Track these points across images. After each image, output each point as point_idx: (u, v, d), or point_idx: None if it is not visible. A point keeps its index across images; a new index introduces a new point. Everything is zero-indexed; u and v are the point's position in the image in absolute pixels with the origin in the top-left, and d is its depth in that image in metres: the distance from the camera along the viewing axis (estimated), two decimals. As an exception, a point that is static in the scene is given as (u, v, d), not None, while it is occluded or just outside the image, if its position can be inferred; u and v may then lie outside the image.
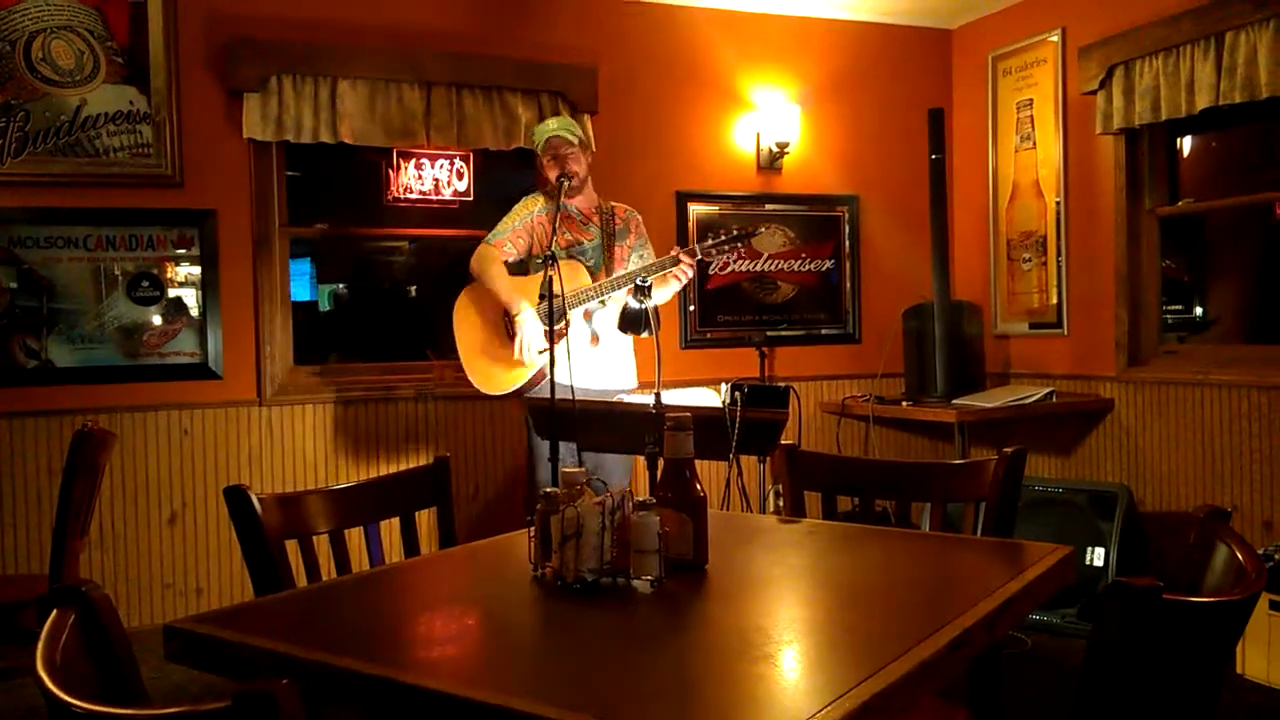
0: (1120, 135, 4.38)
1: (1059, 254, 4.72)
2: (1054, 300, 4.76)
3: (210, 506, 4.03)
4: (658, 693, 1.20)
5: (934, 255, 4.59)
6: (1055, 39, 4.69)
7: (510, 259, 3.73)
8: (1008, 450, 1.99)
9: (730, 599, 1.59)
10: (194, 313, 4.13)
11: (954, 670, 1.35)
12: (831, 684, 1.20)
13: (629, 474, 3.60)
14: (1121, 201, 4.43)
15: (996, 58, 5.03)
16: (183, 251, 4.12)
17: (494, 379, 3.66)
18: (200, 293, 4.14)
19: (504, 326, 3.68)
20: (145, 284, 4.07)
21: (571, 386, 3.14)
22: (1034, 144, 4.85)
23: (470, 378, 3.70)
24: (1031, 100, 4.86)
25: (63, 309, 3.96)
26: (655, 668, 1.28)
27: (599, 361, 3.65)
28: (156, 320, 4.09)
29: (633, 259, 3.77)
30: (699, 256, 3.64)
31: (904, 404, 4.61)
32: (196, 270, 4.13)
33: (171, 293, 4.12)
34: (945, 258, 4.61)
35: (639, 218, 3.89)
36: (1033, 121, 4.85)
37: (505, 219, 3.78)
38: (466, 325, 3.74)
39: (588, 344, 3.64)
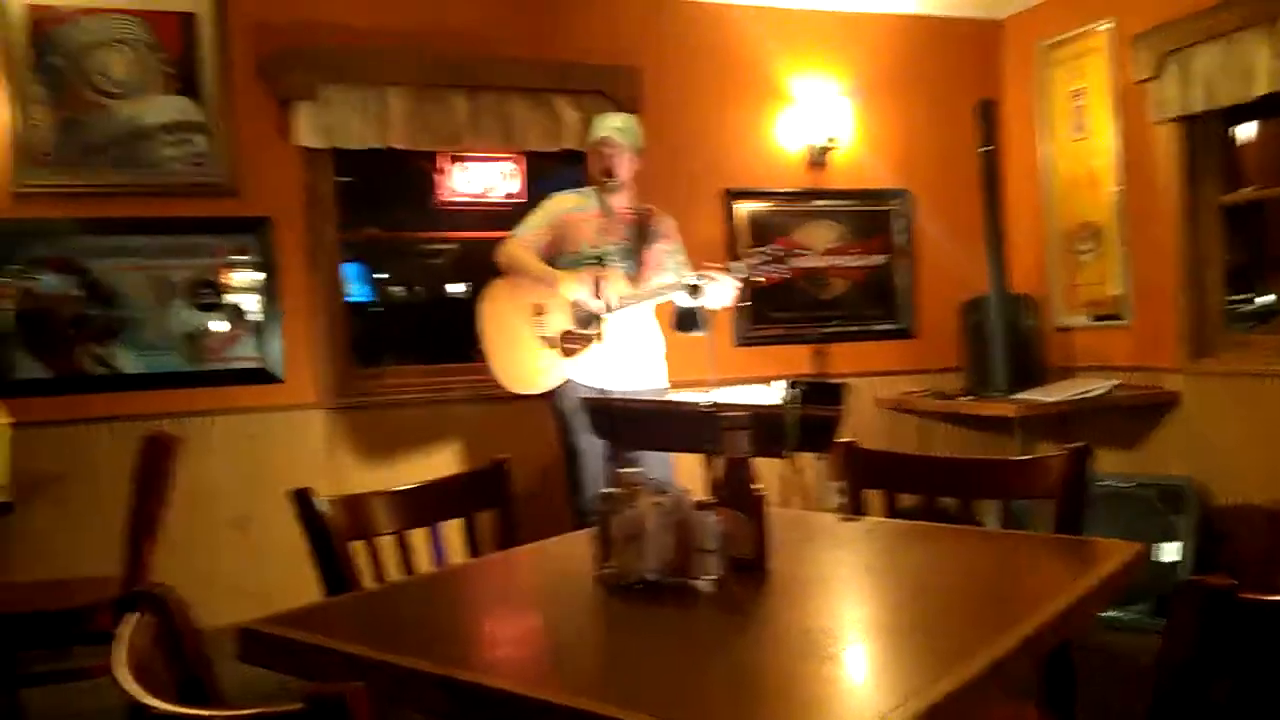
0: (1176, 123, 4.28)
1: (1119, 244, 4.63)
2: (1115, 291, 4.67)
3: (276, 509, 4.08)
4: (721, 693, 1.19)
5: (989, 248, 4.53)
6: (1107, 28, 4.59)
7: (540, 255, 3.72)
8: (1075, 445, 1.96)
9: (792, 599, 1.58)
10: (253, 318, 4.20)
11: (1024, 670, 1.33)
12: (898, 685, 1.19)
13: (669, 472, 3.59)
14: (1181, 190, 4.33)
15: (1047, 48, 4.94)
16: (240, 258, 4.19)
17: (526, 377, 3.65)
18: (258, 298, 4.20)
19: (534, 322, 3.66)
20: (205, 291, 4.14)
21: (601, 389, 3.12)
22: (1088, 134, 4.76)
23: (497, 375, 3.69)
24: (1084, 90, 4.76)
25: (127, 317, 4.04)
26: (718, 668, 1.27)
27: (628, 361, 3.63)
28: (217, 326, 4.16)
29: (666, 263, 3.75)
30: (739, 280, 3.57)
31: (962, 399, 4.55)
32: (254, 276, 4.20)
33: (231, 299, 4.18)
34: (1000, 250, 4.54)
35: (673, 222, 3.88)
36: (1086, 111, 4.76)
37: (532, 215, 3.79)
38: (495, 320, 3.73)
39: (613, 343, 3.62)
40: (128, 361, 4.03)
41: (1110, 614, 3.84)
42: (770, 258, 3.60)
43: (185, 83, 4.10)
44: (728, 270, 3.55)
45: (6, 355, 3.89)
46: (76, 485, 3.86)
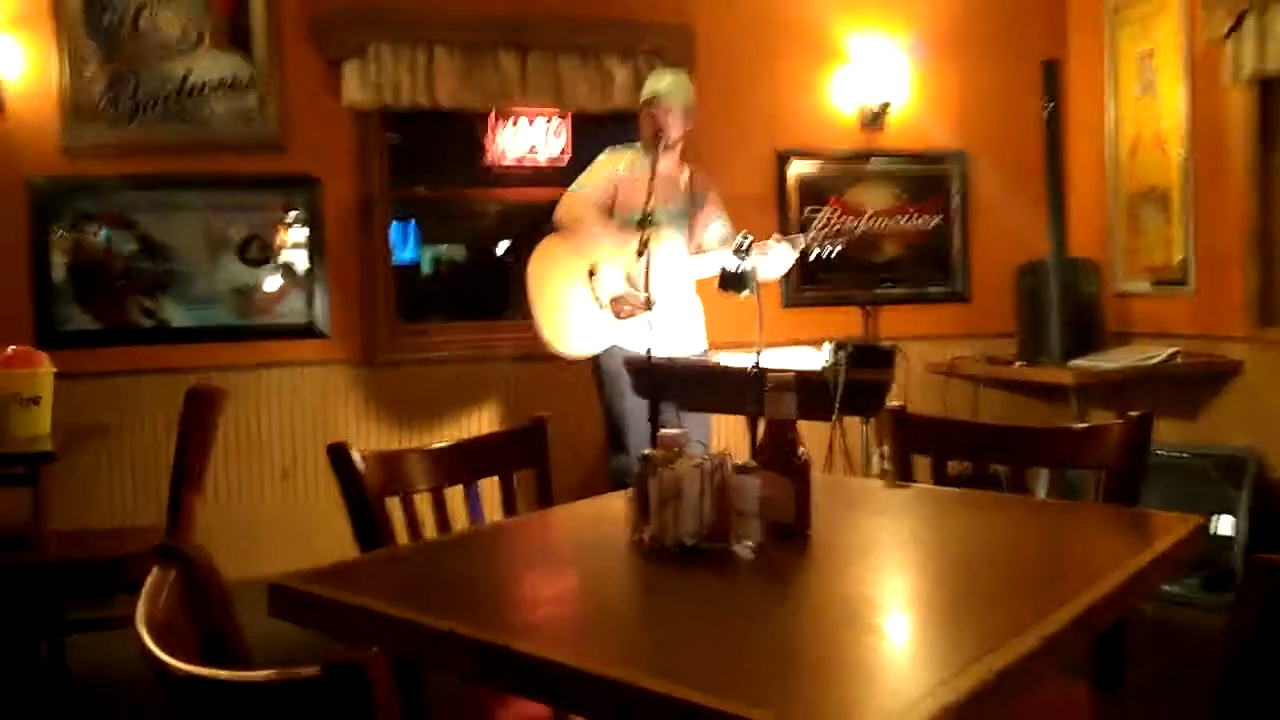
0: (1251, 85, 4.10)
1: (1184, 209, 4.46)
2: (1179, 257, 4.51)
3: (319, 462, 4.12)
4: (759, 664, 1.15)
5: (1049, 211, 4.39)
6: (1179, -16, 4.40)
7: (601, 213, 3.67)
8: (1134, 414, 1.88)
9: (834, 566, 1.53)
10: (301, 274, 4.21)
11: (1078, 648, 1.27)
12: (945, 659, 1.13)
13: (707, 434, 3.54)
14: (1253, 154, 4.15)
15: (1115, 5, 4.75)
16: (289, 215, 4.19)
17: (569, 339, 3.61)
18: (307, 255, 4.21)
19: (594, 284, 3.61)
20: (254, 247, 4.16)
21: (648, 350, 3.08)
22: (1156, 95, 4.58)
23: (543, 334, 3.64)
24: (1153, 50, 4.58)
25: (177, 271, 4.07)
26: (756, 637, 1.23)
27: (668, 327, 3.57)
28: (265, 282, 4.18)
29: (712, 227, 3.68)
30: (802, 246, 3.50)
31: (1016, 365, 4.44)
32: (303, 233, 4.21)
33: (280, 255, 4.19)
34: (1061, 213, 4.41)
35: (715, 188, 3.80)
36: (1154, 71, 4.58)
37: (588, 173, 3.72)
38: (544, 280, 3.68)
39: (661, 308, 3.57)
40: (176, 315, 4.06)
41: (1161, 587, 3.74)
42: (833, 231, 3.50)
43: (236, 39, 4.09)
44: (790, 242, 3.47)
45: (57, 308, 3.95)
46: (123, 436, 3.91)
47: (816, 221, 3.57)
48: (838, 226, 3.54)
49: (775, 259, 3.50)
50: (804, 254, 3.49)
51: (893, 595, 1.40)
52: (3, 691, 2.75)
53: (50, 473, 2.84)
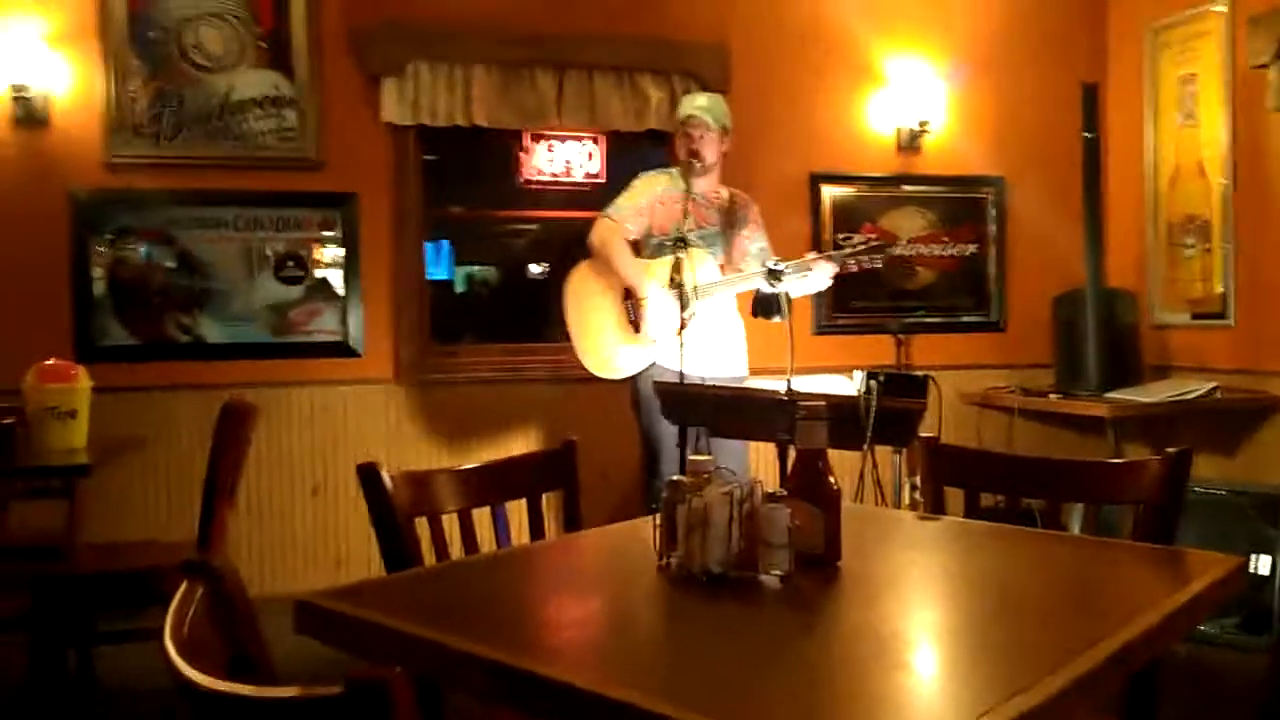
0: (1297, 112, 4.05)
1: (1225, 239, 4.40)
2: (1219, 289, 4.45)
3: (349, 480, 4.14)
4: (785, 697, 1.13)
5: (1087, 239, 4.35)
6: (1221, 9, 4.35)
7: (630, 237, 3.67)
8: (1172, 450, 1.84)
9: (864, 599, 1.51)
10: (336, 292, 4.24)
11: (1111, 687, 1.24)
12: (976, 697, 1.11)
13: (744, 462, 3.52)
14: (1298, 183, 4.10)
15: (1156, 30, 4.72)
16: (326, 233, 4.23)
17: (608, 361, 3.61)
18: (342, 273, 4.24)
19: (624, 307, 3.62)
20: (291, 264, 4.20)
21: (681, 373, 3.07)
22: (1197, 122, 4.53)
23: (582, 358, 3.66)
24: (1194, 75, 4.53)
25: (213, 287, 4.11)
26: (783, 670, 1.21)
27: (709, 348, 3.56)
28: (301, 299, 4.21)
29: (750, 250, 3.67)
30: (837, 267, 3.50)
31: (1052, 396, 4.38)
32: (339, 251, 4.24)
33: (315, 273, 4.23)
34: (1099, 242, 4.37)
35: (757, 208, 3.79)
36: (1196, 98, 4.53)
37: (626, 195, 3.72)
38: (581, 303, 3.69)
39: (696, 330, 3.56)
40: (212, 331, 4.10)
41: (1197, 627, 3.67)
42: (868, 248, 3.50)
43: (277, 57, 4.15)
44: (828, 258, 3.47)
45: (96, 322, 4.00)
46: (158, 451, 3.95)
47: (859, 241, 3.55)
48: (875, 242, 3.53)
49: (811, 278, 3.50)
50: (840, 270, 3.48)
51: (923, 630, 1.38)
52: (32, 701, 2.76)
53: (85, 486, 2.86)
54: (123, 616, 2.96)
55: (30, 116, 3.87)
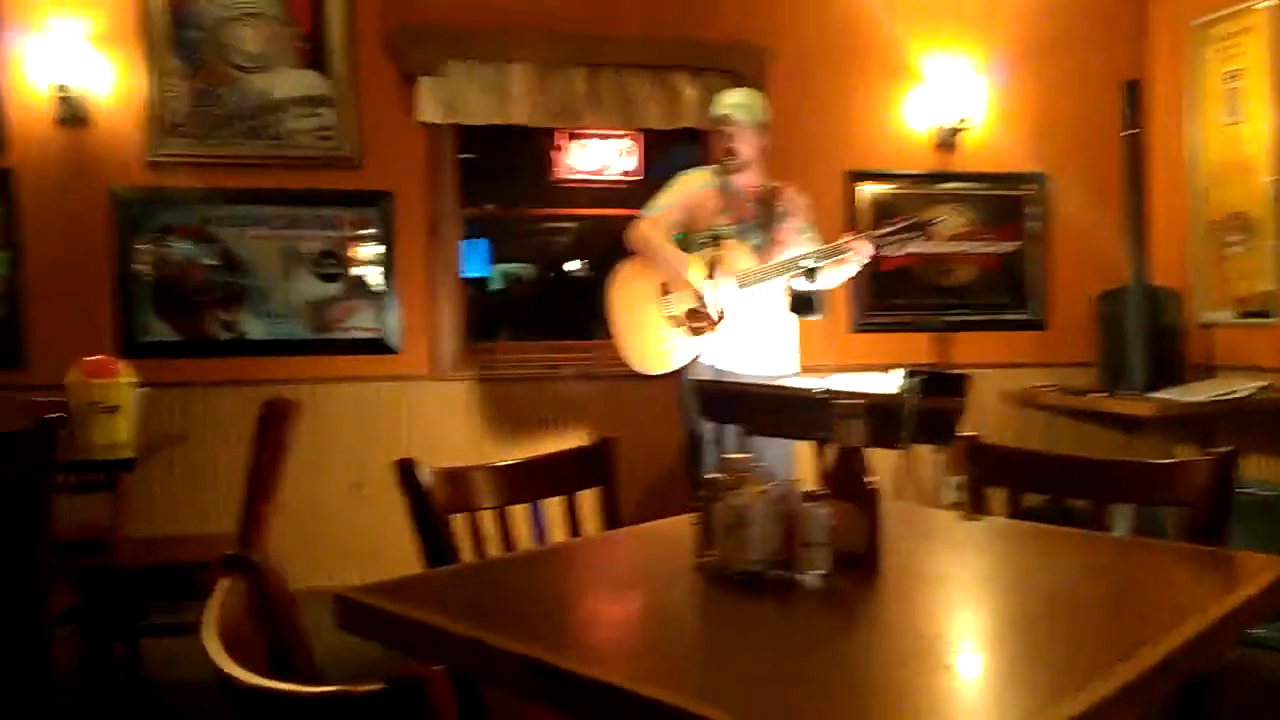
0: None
1: (1272, 237, 4.32)
2: (1266, 287, 4.36)
3: (388, 476, 4.15)
4: (825, 698, 1.12)
5: (1130, 237, 4.28)
6: (1267, 4, 4.27)
7: (669, 235, 3.66)
8: (1220, 450, 1.80)
9: (905, 600, 1.49)
10: (373, 289, 4.27)
11: (1158, 694, 1.22)
12: (1020, 702, 1.10)
13: (790, 460, 3.50)
14: (1348, 179, 4.01)
15: (1200, 25, 4.63)
16: (363, 231, 4.26)
17: (653, 357, 3.61)
18: (379, 270, 4.27)
19: (667, 302, 3.62)
20: (328, 261, 4.23)
21: (716, 369, 3.06)
22: (1243, 118, 4.44)
23: (626, 355, 3.66)
24: (1240, 71, 4.45)
25: (253, 284, 4.15)
26: (823, 671, 1.20)
27: (754, 345, 3.54)
28: (338, 296, 4.24)
29: (797, 241, 3.64)
30: (874, 249, 3.45)
31: (1095, 396, 4.32)
32: (375, 249, 4.27)
33: (352, 270, 4.26)
34: (1142, 240, 4.30)
35: (805, 200, 3.75)
36: (1241, 94, 4.44)
37: (663, 193, 3.72)
38: (624, 300, 3.69)
39: (744, 325, 3.54)
40: (252, 327, 4.14)
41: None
42: (906, 229, 3.44)
43: (314, 56, 4.18)
44: (866, 238, 3.42)
45: (139, 318, 4.05)
46: (199, 445, 3.99)
47: (894, 222, 3.50)
48: (920, 224, 3.47)
49: (848, 265, 3.46)
50: (878, 252, 3.43)
51: (965, 632, 1.36)
52: (85, 694, 2.80)
53: (127, 480, 2.90)
54: (166, 610, 3.00)
55: (73, 116, 3.92)
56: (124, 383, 3.02)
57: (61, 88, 3.90)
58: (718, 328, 3.43)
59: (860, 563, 1.55)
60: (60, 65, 3.90)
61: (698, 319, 3.56)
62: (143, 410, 3.07)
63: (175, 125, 4.04)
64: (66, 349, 3.16)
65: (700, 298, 3.51)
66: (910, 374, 2.56)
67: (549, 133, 4.55)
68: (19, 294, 3.97)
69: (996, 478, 2.05)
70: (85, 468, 2.94)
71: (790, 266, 3.46)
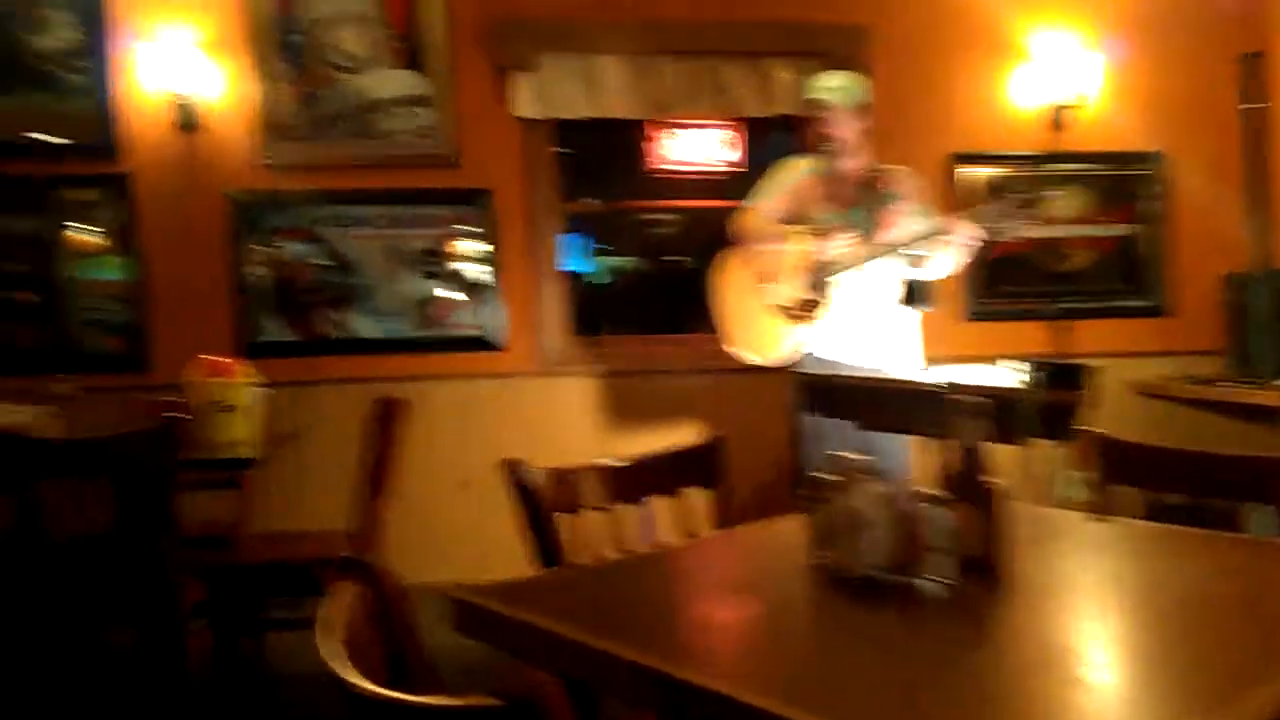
0: None
1: None
2: None
3: (495, 473, 4.19)
4: (947, 713, 1.07)
5: (1252, 217, 4.06)
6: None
7: (772, 224, 3.59)
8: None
9: (1031, 608, 1.43)
10: (475, 287, 4.31)
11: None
12: (1157, 718, 1.03)
13: (905, 458, 3.40)
14: None
15: (1330, -9, 4.36)
16: (463, 228, 4.30)
17: (762, 347, 3.55)
18: (482, 267, 4.31)
19: (771, 291, 3.55)
20: (432, 260, 4.29)
21: (819, 359, 2.97)
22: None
23: (734, 346, 3.61)
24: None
25: (361, 284, 4.24)
26: (944, 683, 1.15)
27: (869, 335, 3.45)
28: (442, 294, 4.30)
29: (908, 223, 3.52)
30: (976, 230, 3.29)
31: (1223, 385, 4.12)
32: (477, 246, 4.31)
33: (455, 268, 4.31)
34: (1266, 220, 4.07)
35: (917, 182, 3.63)
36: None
37: (765, 182, 3.66)
38: (729, 291, 3.65)
39: (855, 315, 3.44)
40: (362, 326, 4.23)
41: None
42: (1019, 202, 3.27)
43: (411, 56, 4.23)
44: (972, 215, 3.26)
45: (255, 319, 4.17)
46: (312, 443, 4.08)
47: (1004, 201, 3.33)
48: (1030, 197, 3.31)
49: (954, 247, 3.30)
50: (987, 235, 3.27)
51: (1096, 643, 1.29)
52: (217, 688, 2.90)
53: (249, 478, 2.98)
54: (286, 605, 3.08)
55: (188, 122, 4.05)
56: (241, 382, 3.10)
57: (178, 96, 4.03)
58: (823, 314, 3.35)
59: (981, 567, 1.49)
60: (173, 72, 4.03)
61: (804, 307, 3.49)
62: (265, 409, 3.15)
63: (283, 128, 4.14)
64: (187, 350, 3.25)
65: (806, 285, 3.45)
66: (1038, 367, 2.47)
67: (645, 124, 4.53)
68: (141, 298, 4.12)
69: (1128, 475, 1.96)
70: (212, 466, 3.02)
71: (890, 248, 3.36)
